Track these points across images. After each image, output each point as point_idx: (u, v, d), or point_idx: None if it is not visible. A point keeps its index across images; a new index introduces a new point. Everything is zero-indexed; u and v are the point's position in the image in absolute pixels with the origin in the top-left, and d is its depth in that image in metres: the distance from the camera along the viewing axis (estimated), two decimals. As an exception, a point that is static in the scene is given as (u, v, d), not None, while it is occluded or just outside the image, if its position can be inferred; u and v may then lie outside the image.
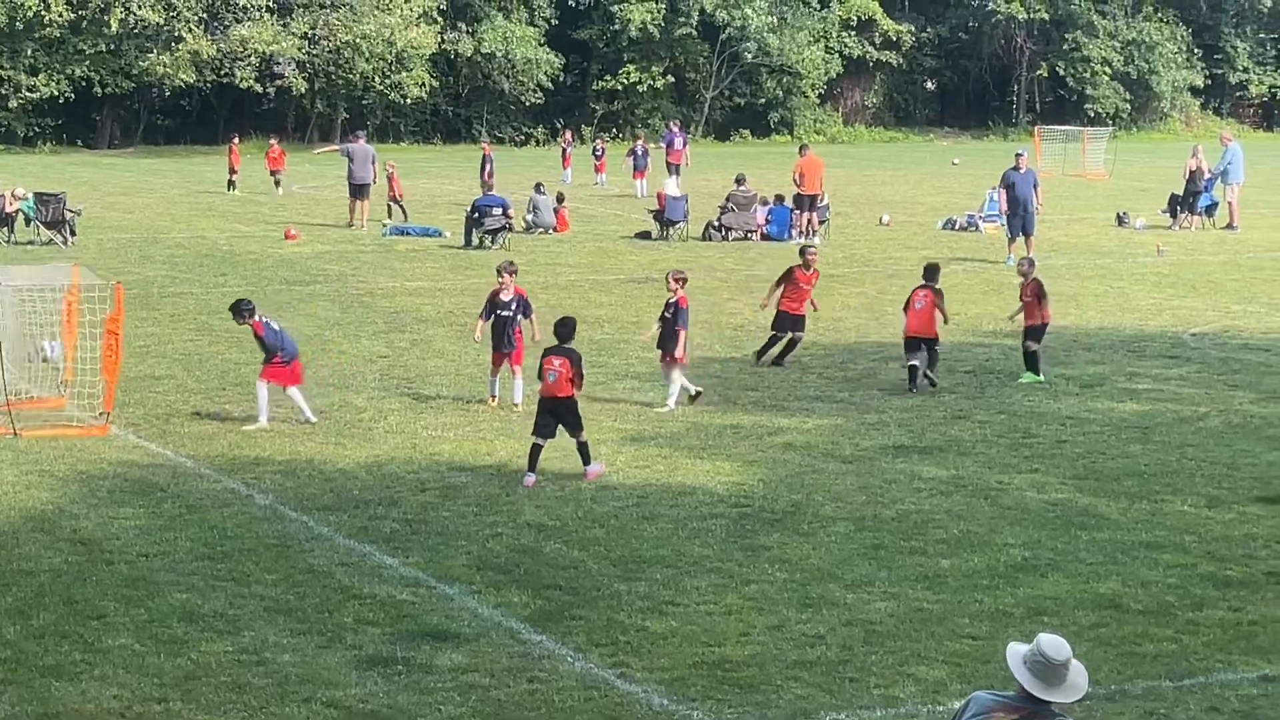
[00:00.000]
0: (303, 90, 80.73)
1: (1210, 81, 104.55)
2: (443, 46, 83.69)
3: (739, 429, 20.61)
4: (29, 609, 13.70)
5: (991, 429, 20.75)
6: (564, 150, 63.66)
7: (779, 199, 42.69)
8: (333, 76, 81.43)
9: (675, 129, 58.95)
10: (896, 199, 53.27)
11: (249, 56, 77.14)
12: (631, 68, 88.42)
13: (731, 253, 39.56)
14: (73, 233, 39.97)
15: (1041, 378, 23.57)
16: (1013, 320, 25.09)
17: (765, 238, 41.74)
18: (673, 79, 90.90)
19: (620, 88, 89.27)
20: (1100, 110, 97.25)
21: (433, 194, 53.73)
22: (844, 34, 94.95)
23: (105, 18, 75.00)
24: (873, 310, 30.18)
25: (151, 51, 77.05)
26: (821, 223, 42.26)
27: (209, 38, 77.29)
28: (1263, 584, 14.67)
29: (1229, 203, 45.74)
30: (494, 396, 21.86)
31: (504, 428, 20.53)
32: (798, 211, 41.91)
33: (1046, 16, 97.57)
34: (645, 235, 42.36)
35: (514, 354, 21.61)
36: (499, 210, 40.14)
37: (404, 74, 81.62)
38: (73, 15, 75.24)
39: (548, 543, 15.75)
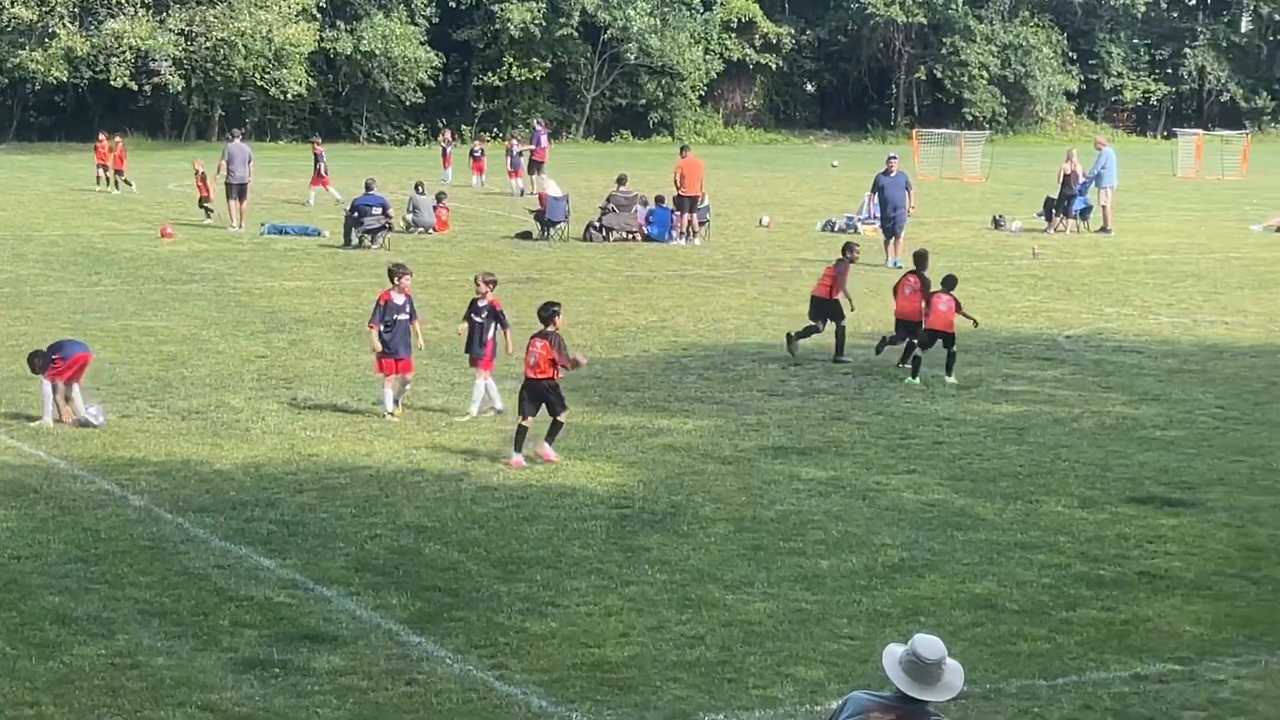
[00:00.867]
0: (179, 87, 79.91)
1: (1085, 86, 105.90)
2: (322, 44, 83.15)
3: (619, 430, 20.62)
4: (-103, 613, 13.47)
5: (870, 430, 20.90)
6: (444, 150, 63.43)
7: (659, 200, 42.80)
8: (210, 74, 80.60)
9: (540, 127, 60.27)
10: (776, 201, 53.53)
11: (124, 53, 76.24)
12: (513, 66, 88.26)
13: (612, 253, 39.59)
14: (-57, 230, 39.39)
15: (918, 380, 23.87)
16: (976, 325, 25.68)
17: (646, 238, 41.85)
18: (551, 81, 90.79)
19: (500, 87, 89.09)
20: (977, 114, 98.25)
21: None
22: (725, 36, 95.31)
23: (-24, 15, 74.02)
24: (753, 311, 30.29)
25: (24, 48, 75.97)
26: (702, 224, 42.42)
27: (83, 34, 76.32)
28: (1135, 584, 14.87)
29: (1103, 206, 46.38)
30: (399, 405, 21.26)
31: (382, 428, 20.43)
32: (678, 213, 42.07)
33: (925, 21, 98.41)
34: (526, 235, 42.32)
35: (383, 362, 21.25)
36: (379, 210, 39.94)
37: (283, 71, 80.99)
38: (-56, 12, 74.19)
39: (427, 544, 15.68)
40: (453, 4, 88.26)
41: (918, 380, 23.89)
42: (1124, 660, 13.00)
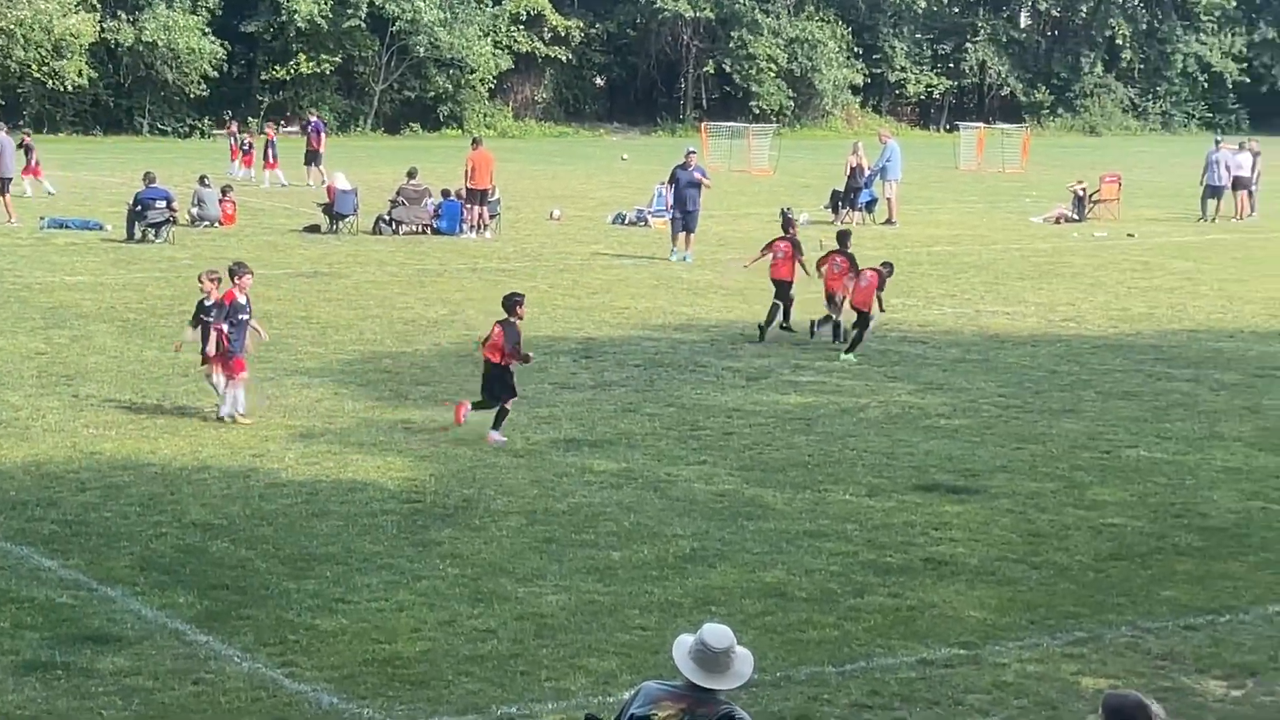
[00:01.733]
0: (-46, 78, 77.99)
1: (870, 80, 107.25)
2: (103, 35, 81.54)
3: (410, 424, 20.51)
4: None
5: (661, 421, 21.01)
6: (232, 143, 62.49)
7: (446, 193, 42.63)
8: (-13, 64, 78.68)
9: (315, 118, 61.14)
10: (567, 194, 53.57)
11: (-105, 42, 74.22)
12: (300, 58, 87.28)
13: (402, 247, 39.35)
14: None
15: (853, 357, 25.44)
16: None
17: (436, 232, 41.65)
18: (339, 74, 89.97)
19: (287, 79, 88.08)
20: (765, 107, 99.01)
21: (93, 186, 52.26)
22: (514, 29, 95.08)
23: None
24: (544, 305, 30.27)
25: None
26: (492, 217, 42.33)
27: None
28: (921, 570, 15.12)
29: (888, 199, 47.10)
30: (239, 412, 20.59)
31: (168, 425, 20.09)
32: (469, 206, 41.94)
33: (712, 15, 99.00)
34: (314, 229, 41.87)
35: (233, 362, 20.45)
36: (163, 203, 39.26)
37: (62, 62, 79.27)
38: None
39: (214, 542, 15.46)
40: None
41: (853, 356, 25.24)
42: (910, 646, 13.21)
